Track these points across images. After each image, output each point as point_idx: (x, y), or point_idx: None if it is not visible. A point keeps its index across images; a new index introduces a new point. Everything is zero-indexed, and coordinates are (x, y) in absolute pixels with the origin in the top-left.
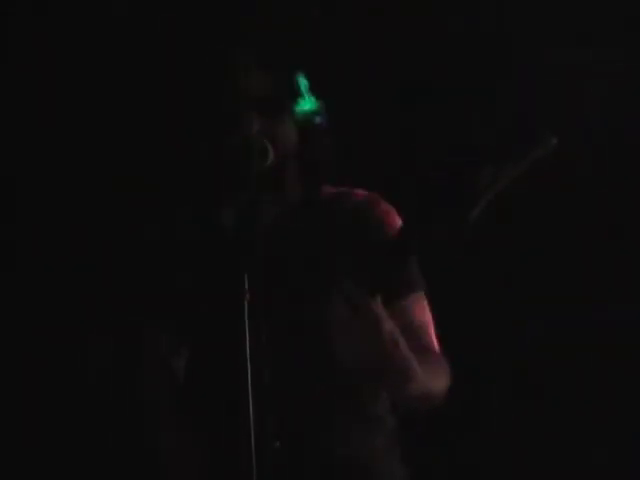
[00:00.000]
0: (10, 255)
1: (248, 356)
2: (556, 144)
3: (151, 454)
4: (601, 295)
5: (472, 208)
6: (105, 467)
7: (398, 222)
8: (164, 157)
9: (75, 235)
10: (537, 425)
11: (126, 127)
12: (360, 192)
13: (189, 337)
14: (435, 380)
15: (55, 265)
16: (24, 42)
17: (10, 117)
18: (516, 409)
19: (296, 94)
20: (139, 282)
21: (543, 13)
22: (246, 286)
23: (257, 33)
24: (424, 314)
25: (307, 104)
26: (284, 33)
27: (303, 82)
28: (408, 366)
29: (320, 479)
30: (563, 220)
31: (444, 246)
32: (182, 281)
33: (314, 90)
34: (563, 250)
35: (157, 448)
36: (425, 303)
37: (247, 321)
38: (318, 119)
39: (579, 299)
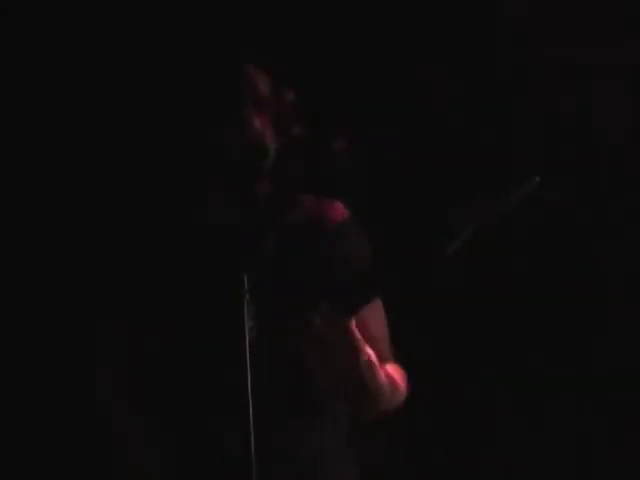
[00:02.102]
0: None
1: (248, 355)
2: (539, 184)
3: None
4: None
5: (452, 241)
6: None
7: (366, 249)
8: (164, 156)
9: (75, 231)
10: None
11: (126, 125)
12: (335, 209)
13: (187, 336)
14: (395, 397)
15: (51, 260)
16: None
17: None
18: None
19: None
20: (137, 280)
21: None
22: (246, 286)
23: (257, 32)
24: (381, 324)
25: None
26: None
27: None
28: (379, 389)
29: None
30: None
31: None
32: (181, 280)
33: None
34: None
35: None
36: (382, 312)
37: (247, 321)
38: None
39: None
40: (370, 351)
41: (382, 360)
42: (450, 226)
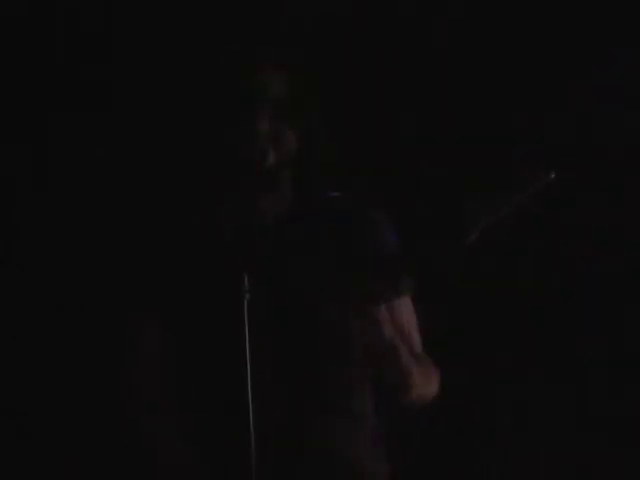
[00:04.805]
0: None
1: (248, 355)
2: (554, 177)
3: (142, 452)
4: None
5: (469, 234)
6: (95, 465)
7: (389, 232)
8: (165, 156)
9: (75, 231)
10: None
11: (128, 125)
12: (353, 198)
13: (187, 336)
14: (429, 384)
15: (54, 261)
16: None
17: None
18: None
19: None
20: (138, 279)
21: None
22: (246, 286)
23: (268, 33)
24: (411, 317)
25: None
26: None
27: None
28: (409, 372)
29: (305, 478)
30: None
31: (440, 263)
32: (181, 280)
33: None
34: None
35: (149, 446)
36: (411, 306)
37: (247, 321)
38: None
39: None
40: (393, 330)
41: (415, 353)
42: (467, 218)
